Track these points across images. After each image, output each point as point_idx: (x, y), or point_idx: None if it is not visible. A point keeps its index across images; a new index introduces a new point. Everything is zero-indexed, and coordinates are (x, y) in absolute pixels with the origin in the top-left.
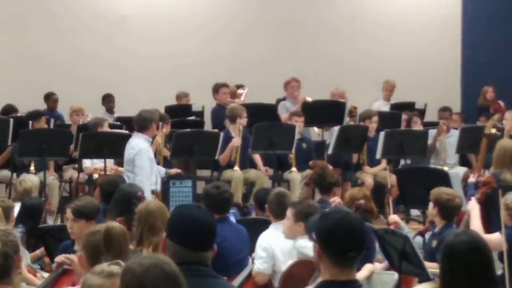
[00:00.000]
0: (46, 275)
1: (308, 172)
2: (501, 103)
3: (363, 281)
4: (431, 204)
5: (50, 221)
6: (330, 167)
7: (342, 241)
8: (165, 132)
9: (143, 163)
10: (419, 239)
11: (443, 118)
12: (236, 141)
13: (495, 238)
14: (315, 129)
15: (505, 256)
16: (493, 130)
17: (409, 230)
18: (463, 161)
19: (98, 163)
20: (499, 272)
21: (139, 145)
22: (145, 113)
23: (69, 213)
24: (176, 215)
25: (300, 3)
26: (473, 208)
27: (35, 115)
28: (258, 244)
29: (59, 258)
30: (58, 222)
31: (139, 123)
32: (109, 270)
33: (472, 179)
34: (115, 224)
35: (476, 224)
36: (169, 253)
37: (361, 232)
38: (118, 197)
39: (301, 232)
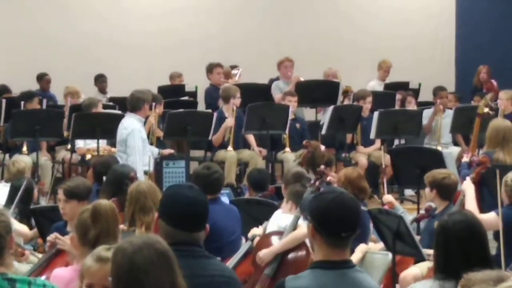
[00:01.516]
0: (38, 255)
1: (300, 151)
2: (494, 82)
3: (357, 263)
4: (427, 189)
5: (43, 202)
6: (322, 147)
7: (336, 221)
8: (158, 112)
9: (135, 144)
10: (413, 225)
11: (442, 97)
12: (230, 121)
13: (490, 218)
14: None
15: (501, 235)
16: (486, 110)
17: (403, 210)
18: (456, 141)
19: (91, 143)
20: (493, 251)
21: (131, 126)
22: (138, 93)
23: (60, 194)
24: (168, 195)
25: None
26: (468, 188)
27: (27, 96)
28: (271, 223)
29: (51, 237)
30: (51, 203)
31: (132, 103)
32: (100, 254)
33: (465, 158)
34: (104, 201)
35: (471, 204)
36: (161, 233)
37: (355, 212)
38: (111, 178)
39: (290, 212)
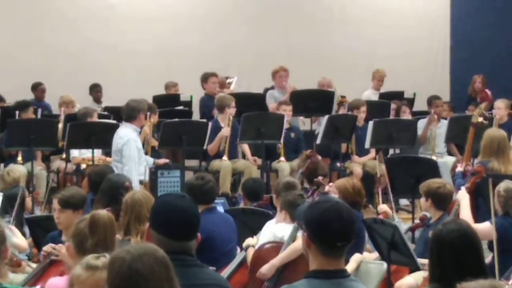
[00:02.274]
0: (33, 265)
1: (297, 161)
2: (488, 92)
3: (352, 272)
4: (422, 199)
5: (37, 212)
6: (319, 157)
7: (330, 231)
8: (152, 122)
9: (131, 153)
10: (408, 234)
11: (437, 106)
12: (226, 130)
13: (485, 227)
14: (301, 117)
15: (495, 245)
16: (480, 119)
17: (398, 220)
18: (450, 151)
19: (85, 153)
20: (487, 260)
21: (127, 135)
22: (133, 103)
23: (55, 204)
24: (159, 204)
25: None
26: (463, 197)
27: (22, 105)
28: (263, 233)
29: (47, 248)
30: (46, 213)
31: (127, 113)
32: (90, 262)
33: (459, 168)
34: (102, 211)
35: (466, 213)
36: (153, 243)
37: (350, 221)
38: (106, 187)
39: (285, 221)
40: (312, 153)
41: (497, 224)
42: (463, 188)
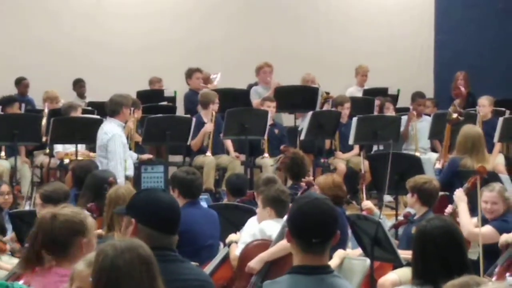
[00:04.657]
0: (15, 260)
1: (278, 157)
2: (462, 88)
3: (335, 268)
4: (409, 195)
5: (21, 207)
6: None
7: (305, 227)
8: (136, 117)
9: (116, 149)
10: (392, 231)
11: (420, 105)
12: (209, 126)
13: (488, 231)
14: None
15: (480, 244)
16: (455, 115)
17: (382, 216)
18: (435, 147)
19: (69, 148)
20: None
21: (112, 131)
22: (117, 98)
23: (38, 199)
24: (145, 199)
25: None
26: (460, 200)
27: (8, 101)
28: (245, 230)
29: None
30: (29, 208)
31: (112, 108)
32: (92, 259)
33: (438, 165)
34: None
35: (465, 218)
36: (142, 237)
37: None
38: (90, 183)
39: (270, 218)
40: (285, 149)
41: (498, 226)
42: (461, 190)
